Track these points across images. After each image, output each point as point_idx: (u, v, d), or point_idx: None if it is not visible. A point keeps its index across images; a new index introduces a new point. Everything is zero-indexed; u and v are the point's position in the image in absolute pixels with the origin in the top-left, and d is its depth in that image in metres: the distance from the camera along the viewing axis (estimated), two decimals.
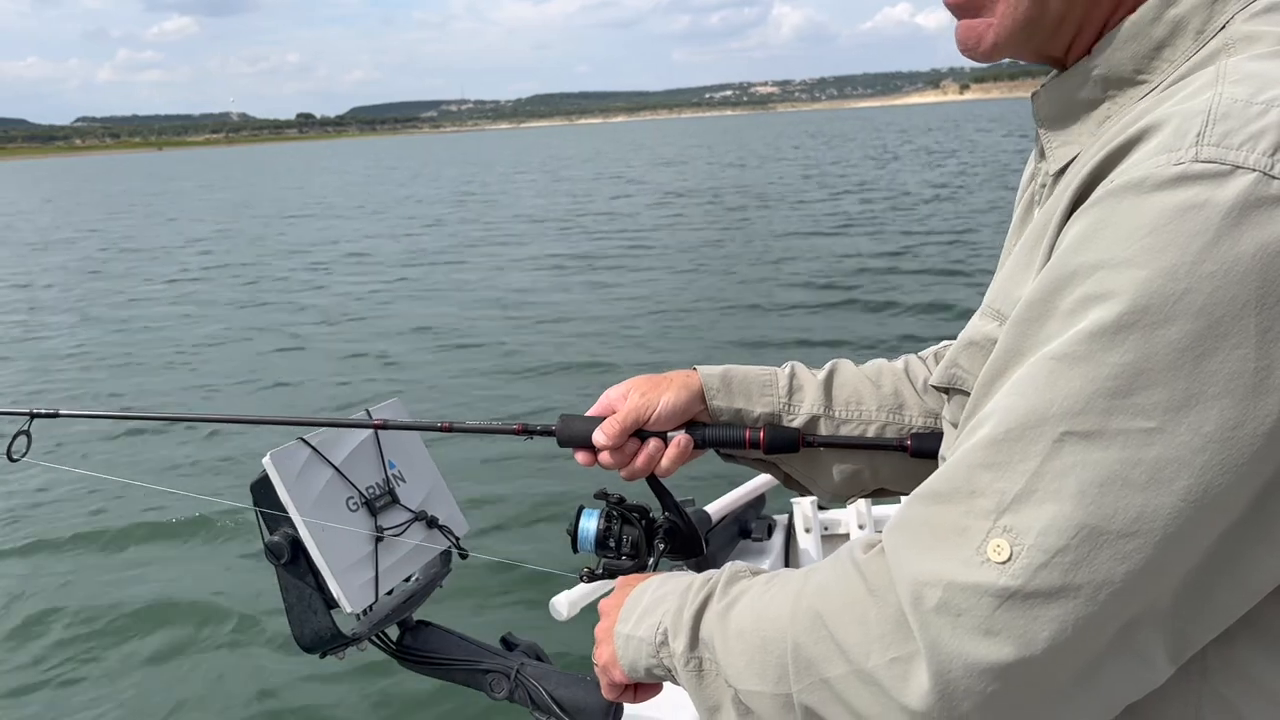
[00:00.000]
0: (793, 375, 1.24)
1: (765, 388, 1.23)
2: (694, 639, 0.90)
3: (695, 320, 11.04)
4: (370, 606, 1.27)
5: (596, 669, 1.07)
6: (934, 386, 0.95)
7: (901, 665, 0.70)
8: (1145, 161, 0.68)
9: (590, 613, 1.64)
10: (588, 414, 1.24)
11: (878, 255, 14.72)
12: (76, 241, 24.83)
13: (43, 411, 1.38)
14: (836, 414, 1.22)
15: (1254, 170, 0.63)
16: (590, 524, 1.26)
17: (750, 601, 0.86)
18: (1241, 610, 0.69)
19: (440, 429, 1.29)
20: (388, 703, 3.90)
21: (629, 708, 1.33)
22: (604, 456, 1.22)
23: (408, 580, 1.34)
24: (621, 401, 1.22)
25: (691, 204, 25.30)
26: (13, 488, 6.78)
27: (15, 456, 1.33)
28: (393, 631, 1.33)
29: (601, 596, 1.65)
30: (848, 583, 0.76)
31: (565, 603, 1.44)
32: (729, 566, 0.94)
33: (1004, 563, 0.66)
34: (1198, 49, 0.76)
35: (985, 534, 0.68)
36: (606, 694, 1.08)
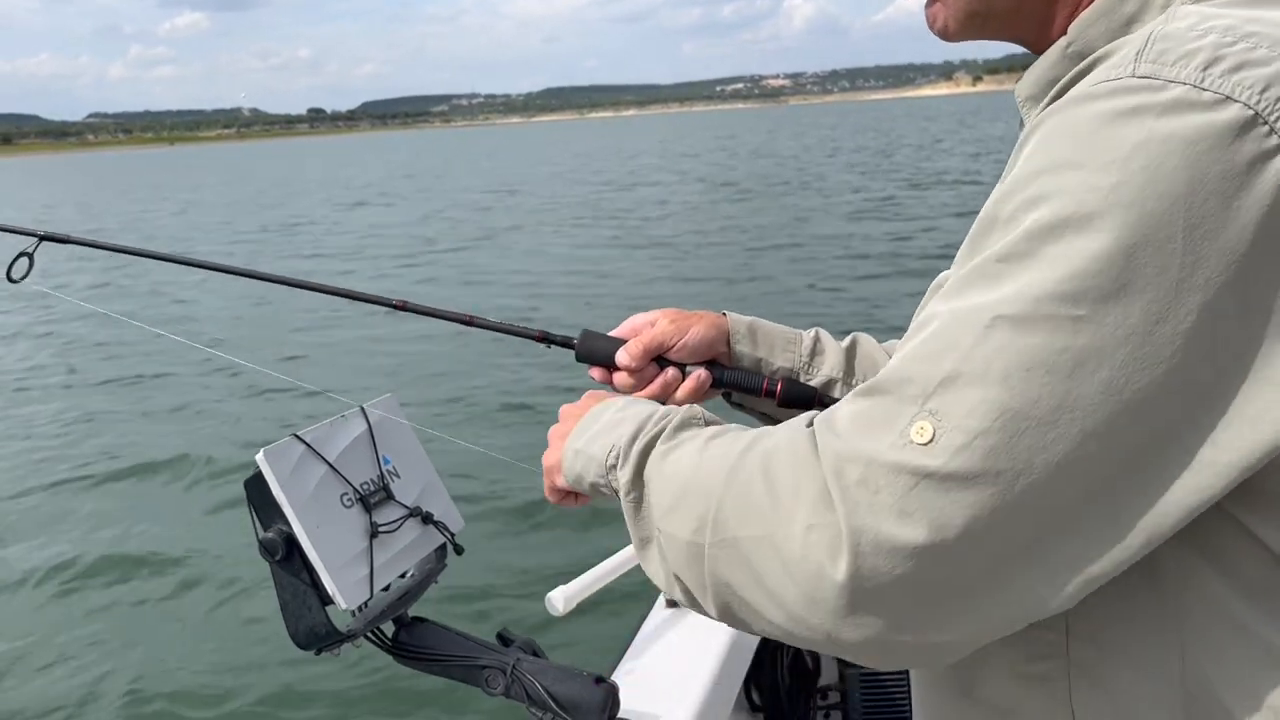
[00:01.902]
0: (816, 339, 1.25)
1: (789, 344, 1.24)
2: (638, 474, 0.89)
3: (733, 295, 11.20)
4: (365, 603, 1.26)
5: (544, 468, 1.07)
6: None
7: (816, 534, 0.70)
8: (1087, 85, 0.71)
9: (587, 609, 1.64)
10: (610, 334, 1.23)
11: (909, 236, 14.75)
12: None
13: (54, 235, 1.36)
14: (855, 382, 1.22)
15: (1185, 84, 0.65)
16: None
17: (692, 449, 0.86)
18: (1153, 539, 0.68)
19: (462, 320, 1.30)
20: (383, 699, 3.92)
21: (626, 704, 1.32)
22: (621, 377, 1.21)
23: (403, 576, 1.34)
24: (647, 327, 1.21)
25: (732, 192, 25.43)
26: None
27: (15, 277, 1.31)
28: (388, 628, 1.33)
29: (599, 590, 1.66)
30: (787, 451, 0.76)
31: (561, 597, 1.44)
32: (686, 409, 0.94)
33: (925, 444, 0.67)
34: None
35: (911, 417, 0.68)
36: (548, 495, 1.09)
